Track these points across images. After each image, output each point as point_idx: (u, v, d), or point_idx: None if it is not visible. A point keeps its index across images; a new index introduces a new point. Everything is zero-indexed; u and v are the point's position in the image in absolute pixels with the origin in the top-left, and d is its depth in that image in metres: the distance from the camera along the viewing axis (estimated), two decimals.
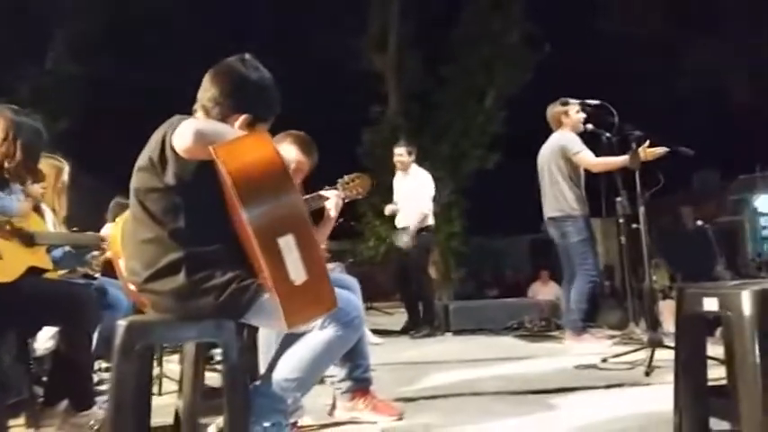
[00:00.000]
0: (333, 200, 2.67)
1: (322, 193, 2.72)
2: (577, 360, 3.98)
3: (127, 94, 12.06)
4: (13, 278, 2.46)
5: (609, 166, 4.60)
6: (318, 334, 1.74)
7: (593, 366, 3.80)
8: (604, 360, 3.85)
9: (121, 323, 1.62)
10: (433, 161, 11.65)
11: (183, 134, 1.58)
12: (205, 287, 1.63)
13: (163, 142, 1.66)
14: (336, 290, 1.84)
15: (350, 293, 1.85)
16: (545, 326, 6.11)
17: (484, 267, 13.61)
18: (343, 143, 11.78)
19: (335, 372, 2.72)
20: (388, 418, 2.65)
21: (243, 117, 1.82)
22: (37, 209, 3.05)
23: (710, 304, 1.50)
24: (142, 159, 1.73)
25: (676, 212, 7.99)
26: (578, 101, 4.66)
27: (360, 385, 2.69)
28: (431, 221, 6.38)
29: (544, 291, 10.06)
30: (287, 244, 1.40)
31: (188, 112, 1.86)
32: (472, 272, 12.11)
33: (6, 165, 2.54)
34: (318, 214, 2.78)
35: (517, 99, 11.44)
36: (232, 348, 1.61)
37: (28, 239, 2.62)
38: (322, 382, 3.06)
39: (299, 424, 2.35)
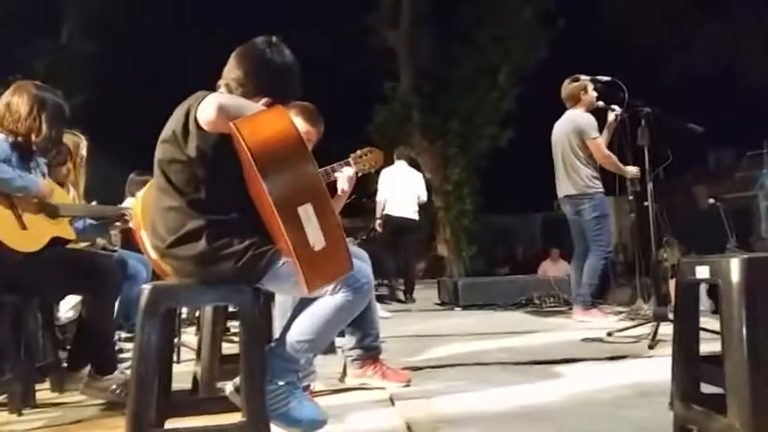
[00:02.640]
0: (345, 173, 2.74)
1: (334, 166, 2.79)
2: (584, 334, 4.07)
3: (141, 71, 12.14)
4: (37, 248, 2.57)
5: (615, 168, 4.75)
6: (330, 299, 1.83)
7: (599, 340, 3.88)
8: (610, 334, 3.93)
9: (146, 286, 1.72)
10: (445, 139, 11.72)
11: (206, 108, 1.66)
12: (225, 253, 1.72)
13: (187, 115, 1.74)
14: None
15: (361, 263, 1.93)
16: (554, 302, 6.19)
17: (495, 245, 13.68)
18: (355, 120, 11.83)
19: (346, 340, 2.83)
20: (396, 384, 2.76)
21: (264, 100, 1.89)
22: (62, 184, 3.16)
23: (702, 272, 1.57)
24: (166, 132, 1.81)
25: (690, 191, 7.99)
26: (589, 77, 4.68)
27: (369, 353, 2.79)
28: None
29: (554, 269, 10.11)
30: (306, 212, 1.49)
31: (200, 88, 1.93)
32: (483, 249, 12.18)
33: (33, 139, 2.63)
34: (330, 189, 2.86)
35: (530, 76, 11.40)
36: (250, 310, 1.70)
37: (53, 211, 2.73)
38: (333, 351, 3.18)
39: (311, 388, 2.46)
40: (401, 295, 7.45)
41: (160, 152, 1.82)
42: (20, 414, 2.52)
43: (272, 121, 1.57)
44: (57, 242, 2.71)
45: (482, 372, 3.12)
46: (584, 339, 3.93)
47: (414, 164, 9.99)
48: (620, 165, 4.70)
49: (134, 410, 1.63)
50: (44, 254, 2.61)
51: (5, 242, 2.47)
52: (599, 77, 4.54)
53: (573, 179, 4.85)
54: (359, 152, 2.88)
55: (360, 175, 2.88)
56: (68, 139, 3.43)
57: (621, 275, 8.06)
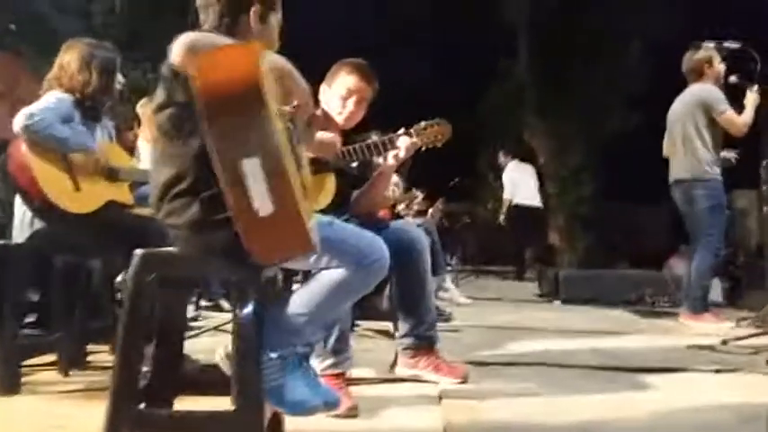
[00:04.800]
0: (403, 140, 2.50)
1: (392, 136, 2.54)
2: (692, 340, 3.54)
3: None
4: (89, 210, 2.54)
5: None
6: (331, 273, 1.61)
7: (710, 348, 3.36)
8: (725, 342, 3.39)
9: (138, 252, 1.57)
10: (564, 120, 10.96)
11: (175, 48, 1.49)
12: (218, 219, 1.53)
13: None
14: (361, 231, 1.69)
15: (374, 236, 1.67)
16: (668, 302, 5.56)
17: (617, 236, 12.75)
18: (467, 99, 11.40)
19: (399, 326, 2.60)
20: (449, 379, 2.48)
21: (253, 8, 1.71)
22: (129, 149, 3.16)
23: None
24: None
25: None
26: (714, 43, 4.04)
27: (422, 343, 2.53)
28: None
29: (682, 266, 9.19)
30: (252, 168, 1.26)
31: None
32: (602, 240, 11.36)
33: (86, 92, 2.61)
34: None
35: (663, 50, 10.24)
36: (245, 283, 1.51)
37: (111, 174, 2.70)
38: (389, 336, 2.95)
39: (347, 375, 2.24)
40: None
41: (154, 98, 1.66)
42: (66, 375, 2.52)
43: (235, 58, 1.34)
44: (114, 206, 2.68)
45: (558, 374, 2.75)
46: (690, 347, 3.41)
47: (526, 151, 9.54)
48: None
49: (115, 387, 1.49)
50: (97, 216, 2.58)
51: (57, 202, 2.45)
52: (727, 44, 3.90)
53: (689, 162, 4.25)
54: (423, 123, 2.60)
55: (424, 149, 2.61)
56: (142, 106, 3.44)
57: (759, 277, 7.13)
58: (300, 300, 1.63)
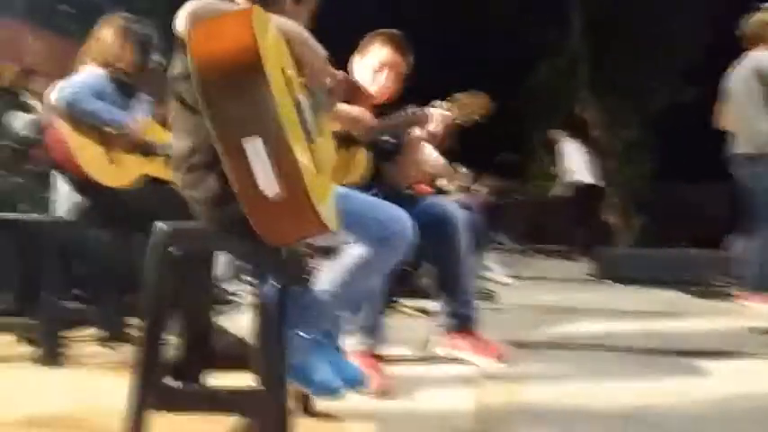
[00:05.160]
0: (435, 111, 2.40)
1: (425, 108, 2.44)
2: (754, 323, 3.35)
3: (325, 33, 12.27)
4: (125, 183, 2.54)
5: None
6: (351, 248, 1.54)
7: None
8: None
9: (158, 225, 1.54)
10: (617, 94, 10.53)
11: (178, 17, 1.41)
12: (234, 192, 1.48)
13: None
14: (380, 203, 1.61)
15: (395, 209, 1.59)
16: (727, 283, 5.29)
17: (673, 214, 12.26)
18: (516, 73, 11.06)
19: (435, 305, 2.52)
20: (488, 360, 2.39)
21: None
22: (166, 124, 3.15)
23: None
24: None
25: None
26: None
27: (461, 322, 2.45)
28: None
29: (742, 245, 8.77)
30: (254, 148, 1.18)
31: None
32: (658, 218, 10.93)
33: (120, 66, 2.59)
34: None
35: (720, 17, 9.66)
36: (265, 261, 1.45)
37: (147, 149, 2.69)
38: (428, 313, 2.88)
39: (379, 352, 2.19)
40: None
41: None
42: (107, 347, 2.55)
43: (229, 26, 1.22)
44: (151, 180, 2.68)
45: (603, 358, 2.63)
46: (752, 329, 3.23)
47: (578, 126, 9.22)
48: None
49: (139, 362, 1.47)
50: (134, 190, 2.58)
51: (92, 175, 2.46)
52: None
53: (750, 136, 3.98)
54: (459, 95, 2.48)
55: (460, 122, 2.50)
56: None
57: None
58: (325, 278, 1.57)
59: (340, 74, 1.78)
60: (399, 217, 1.57)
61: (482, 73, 11.15)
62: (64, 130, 2.43)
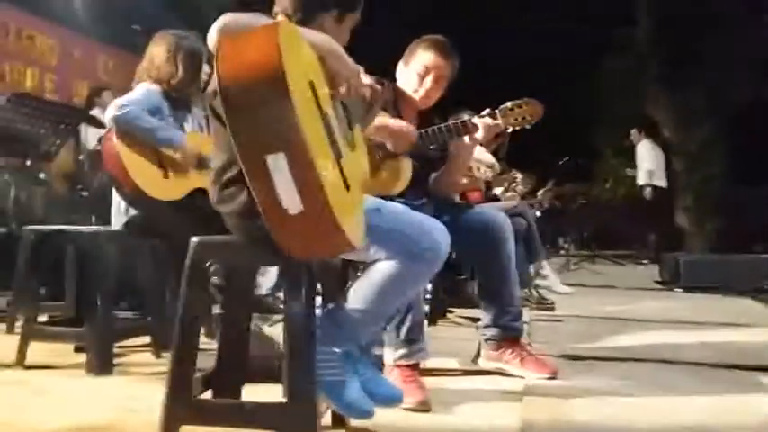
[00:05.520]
0: (482, 122, 2.35)
1: (472, 118, 2.39)
2: None
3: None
4: (177, 197, 2.61)
5: None
6: (382, 265, 1.52)
7: None
8: None
9: (194, 239, 1.57)
10: (691, 91, 10.04)
11: (211, 31, 1.43)
12: None
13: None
14: (414, 217, 1.58)
15: (429, 223, 1.55)
16: None
17: (753, 218, 11.58)
18: (579, 71, 10.74)
19: (482, 316, 2.47)
20: (536, 374, 2.32)
21: (332, 15, 1.64)
22: None
23: None
24: None
25: None
26: None
27: (507, 334, 2.39)
28: None
29: None
30: (276, 164, 1.17)
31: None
32: (736, 222, 10.35)
33: (173, 83, 2.67)
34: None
35: None
36: (294, 272, 1.45)
37: (200, 163, 2.76)
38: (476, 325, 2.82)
39: (422, 365, 2.15)
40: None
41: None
42: (158, 356, 2.63)
43: (255, 40, 1.23)
44: (203, 194, 2.74)
45: (662, 371, 2.51)
46: None
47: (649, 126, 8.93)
48: None
49: (171, 378, 1.50)
50: (186, 203, 2.64)
51: (146, 190, 2.54)
52: None
53: None
54: (509, 104, 2.43)
55: (511, 130, 2.44)
56: None
57: None
58: (356, 293, 1.56)
59: (377, 87, 1.77)
60: (431, 231, 1.54)
61: (544, 73, 10.93)
62: (118, 145, 2.52)
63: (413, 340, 2.10)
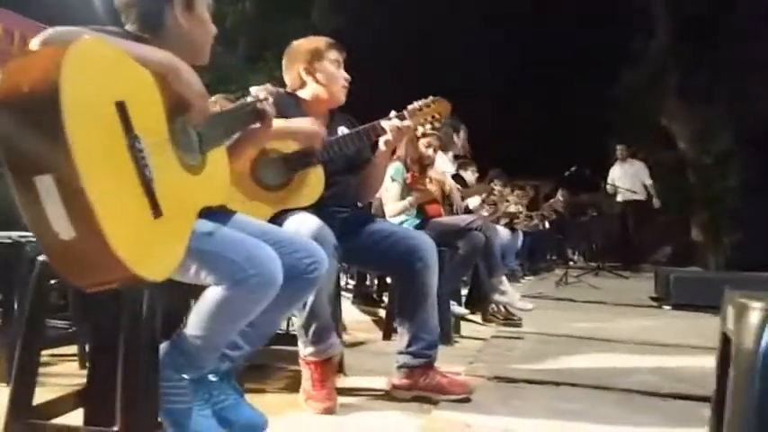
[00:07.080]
0: (390, 124, 2.29)
1: (381, 122, 2.32)
2: None
3: (399, 45, 12.33)
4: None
5: None
6: (210, 291, 1.46)
7: None
8: None
9: (39, 259, 1.53)
10: (709, 103, 9.74)
11: (32, 43, 1.36)
12: None
13: None
14: (246, 242, 1.51)
15: (261, 248, 1.47)
16: None
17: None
18: (596, 83, 10.54)
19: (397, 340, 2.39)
20: (450, 396, 2.22)
21: (172, 10, 1.60)
22: None
23: None
24: None
25: None
26: None
27: (418, 361, 2.28)
28: None
29: None
30: (45, 187, 1.13)
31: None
32: (755, 238, 9.95)
33: None
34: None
35: None
36: (134, 295, 1.40)
37: None
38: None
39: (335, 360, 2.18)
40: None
41: None
42: (83, 367, 2.59)
43: (41, 58, 1.20)
44: None
45: (591, 398, 2.37)
46: None
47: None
48: None
49: (11, 399, 1.46)
50: None
51: None
52: None
53: None
54: (417, 103, 2.37)
55: (421, 130, 2.39)
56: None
57: None
58: (194, 322, 1.50)
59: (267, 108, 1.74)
60: (262, 256, 1.47)
61: (562, 82, 10.75)
62: None
63: (321, 338, 2.09)
